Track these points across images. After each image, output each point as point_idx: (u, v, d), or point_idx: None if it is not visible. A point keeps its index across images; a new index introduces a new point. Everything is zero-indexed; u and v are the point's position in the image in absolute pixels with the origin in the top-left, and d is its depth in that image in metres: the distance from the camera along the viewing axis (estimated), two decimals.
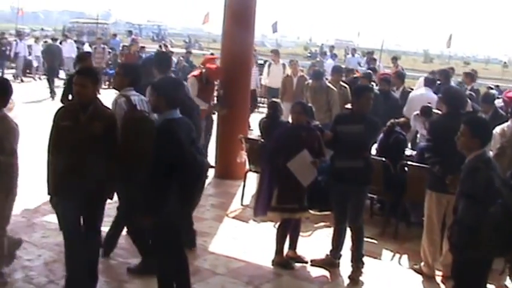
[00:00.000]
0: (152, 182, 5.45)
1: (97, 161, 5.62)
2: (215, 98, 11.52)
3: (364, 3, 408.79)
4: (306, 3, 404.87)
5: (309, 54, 56.31)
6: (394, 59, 23.44)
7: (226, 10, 11.53)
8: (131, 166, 5.85)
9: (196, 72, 11.44)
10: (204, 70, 11.27)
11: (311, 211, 7.61)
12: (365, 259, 7.45)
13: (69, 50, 26.22)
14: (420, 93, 12.18)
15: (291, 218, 7.45)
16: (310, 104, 9.08)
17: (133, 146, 5.86)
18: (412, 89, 14.54)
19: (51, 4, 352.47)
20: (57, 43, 26.99)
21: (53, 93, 22.21)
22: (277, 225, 7.70)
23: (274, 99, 10.45)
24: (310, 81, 12.98)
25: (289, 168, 7.14)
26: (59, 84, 23.32)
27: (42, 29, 58.65)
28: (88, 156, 5.62)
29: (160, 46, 28.82)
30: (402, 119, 9.80)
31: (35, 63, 28.26)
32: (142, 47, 24.58)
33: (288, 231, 7.57)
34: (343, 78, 13.45)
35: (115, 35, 37.07)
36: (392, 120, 9.39)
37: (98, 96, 6.04)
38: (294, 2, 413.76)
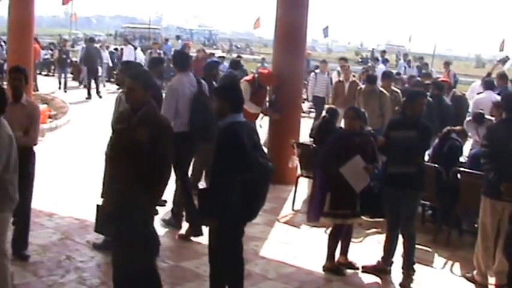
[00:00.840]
0: (215, 185, 5.52)
1: (136, 168, 5.43)
2: (267, 103, 11.56)
3: (415, 7, 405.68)
4: (357, 8, 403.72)
5: (360, 59, 56.05)
6: (446, 64, 23.18)
7: (278, 18, 11.56)
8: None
9: (248, 77, 11.54)
10: (256, 75, 11.35)
11: (363, 217, 7.60)
12: (416, 266, 7.38)
13: (128, 56, 25.77)
14: (485, 96, 12.11)
15: (343, 223, 7.43)
16: (362, 109, 9.05)
17: None
18: (463, 94, 14.46)
19: (104, 9, 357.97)
20: (97, 45, 26.23)
21: (89, 95, 22.48)
22: (328, 231, 7.69)
23: (332, 106, 10.44)
24: (362, 86, 12.93)
25: (342, 174, 7.13)
26: (110, 88, 23.66)
27: (110, 35, 58.92)
28: (130, 162, 5.46)
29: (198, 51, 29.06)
30: (459, 127, 9.66)
31: (100, 70, 25.62)
32: (212, 54, 24.92)
33: (340, 237, 7.54)
34: (406, 85, 13.39)
35: (167, 40, 37.31)
36: (448, 127, 9.28)
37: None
38: (345, 7, 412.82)
